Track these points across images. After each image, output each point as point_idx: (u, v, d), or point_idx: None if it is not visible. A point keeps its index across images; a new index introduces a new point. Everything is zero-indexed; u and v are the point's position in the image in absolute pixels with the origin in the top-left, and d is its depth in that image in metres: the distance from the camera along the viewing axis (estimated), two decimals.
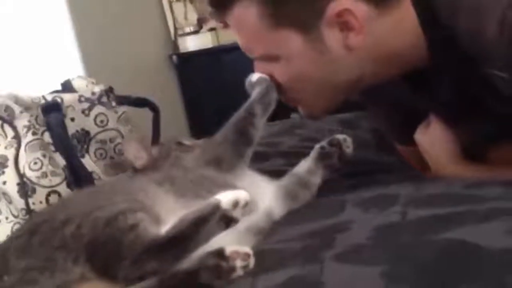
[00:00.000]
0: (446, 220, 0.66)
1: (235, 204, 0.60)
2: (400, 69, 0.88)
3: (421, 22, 0.83)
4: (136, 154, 0.90)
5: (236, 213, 0.59)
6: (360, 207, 0.77)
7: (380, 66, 0.86)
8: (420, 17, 0.83)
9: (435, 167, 0.97)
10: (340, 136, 0.91)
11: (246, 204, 0.60)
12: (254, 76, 0.92)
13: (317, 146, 0.92)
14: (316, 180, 0.89)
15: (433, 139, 0.98)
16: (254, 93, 0.90)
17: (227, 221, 0.59)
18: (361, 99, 1.09)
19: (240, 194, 0.60)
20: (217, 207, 0.59)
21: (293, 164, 0.94)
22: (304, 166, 0.90)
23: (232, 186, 0.77)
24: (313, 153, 0.91)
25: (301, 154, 1.07)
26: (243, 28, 0.88)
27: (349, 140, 0.91)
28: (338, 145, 0.90)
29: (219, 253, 0.62)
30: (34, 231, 0.62)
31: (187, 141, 0.94)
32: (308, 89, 0.89)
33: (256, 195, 0.78)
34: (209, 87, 2.60)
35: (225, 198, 0.60)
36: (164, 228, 0.59)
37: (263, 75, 0.90)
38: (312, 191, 0.89)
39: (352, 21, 0.81)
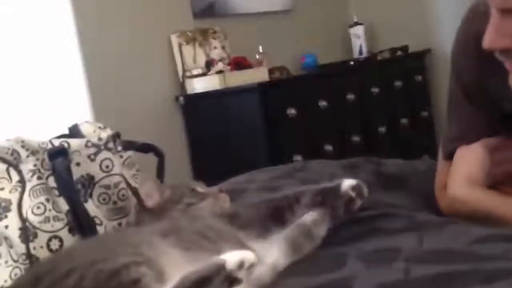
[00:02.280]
0: (449, 280, 0.65)
1: (241, 264, 0.59)
2: None
3: None
4: (149, 193, 0.90)
5: (240, 274, 0.59)
6: (362, 261, 0.76)
7: None
8: None
9: (451, 183, 0.96)
10: (352, 194, 0.88)
11: (252, 265, 0.60)
12: (348, 183, 0.87)
13: None
14: (322, 231, 0.88)
15: (467, 155, 0.97)
16: (316, 187, 0.86)
17: (231, 281, 0.59)
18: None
19: (247, 255, 0.60)
20: (222, 267, 0.58)
21: None
22: (310, 217, 0.89)
23: (240, 241, 0.76)
24: None
25: None
26: None
27: (365, 189, 0.89)
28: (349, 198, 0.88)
29: None
30: (36, 282, 0.61)
31: (201, 188, 0.94)
32: None
33: (262, 249, 0.77)
34: (213, 128, 2.62)
35: (230, 258, 0.59)
36: (167, 286, 0.58)
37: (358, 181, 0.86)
38: (316, 242, 0.88)
39: None
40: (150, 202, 0.90)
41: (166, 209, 0.88)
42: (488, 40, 0.81)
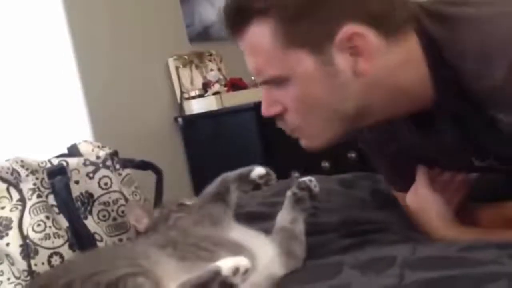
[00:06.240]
0: (441, 284, 0.67)
1: (236, 270, 0.61)
2: (406, 107, 0.88)
3: (427, 60, 0.84)
4: (138, 218, 0.92)
5: (236, 280, 0.60)
6: (358, 269, 0.77)
7: (387, 99, 0.86)
8: (426, 55, 0.84)
9: (427, 230, 0.98)
10: (305, 179, 0.92)
11: (246, 271, 0.61)
12: (258, 172, 0.92)
13: (288, 193, 0.91)
14: (300, 226, 0.90)
15: (423, 203, 0.99)
16: (236, 172, 0.93)
17: (227, 287, 0.60)
18: (366, 141, 1.08)
19: (241, 261, 0.62)
20: (217, 273, 0.60)
21: None
22: (286, 218, 0.90)
23: (234, 245, 0.78)
24: (288, 201, 0.91)
25: None
26: (256, 48, 0.87)
27: (314, 180, 0.91)
28: (307, 188, 0.91)
29: None
30: None
31: (188, 201, 0.96)
32: (314, 114, 0.88)
33: (256, 252, 0.79)
34: (212, 147, 2.65)
35: (225, 264, 0.61)
36: None
37: (267, 171, 0.92)
38: (302, 240, 0.89)
39: (362, 46, 0.82)
40: (141, 226, 0.92)
41: (158, 229, 0.90)
42: None
